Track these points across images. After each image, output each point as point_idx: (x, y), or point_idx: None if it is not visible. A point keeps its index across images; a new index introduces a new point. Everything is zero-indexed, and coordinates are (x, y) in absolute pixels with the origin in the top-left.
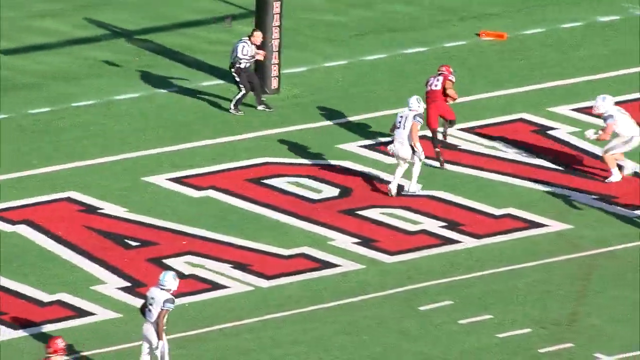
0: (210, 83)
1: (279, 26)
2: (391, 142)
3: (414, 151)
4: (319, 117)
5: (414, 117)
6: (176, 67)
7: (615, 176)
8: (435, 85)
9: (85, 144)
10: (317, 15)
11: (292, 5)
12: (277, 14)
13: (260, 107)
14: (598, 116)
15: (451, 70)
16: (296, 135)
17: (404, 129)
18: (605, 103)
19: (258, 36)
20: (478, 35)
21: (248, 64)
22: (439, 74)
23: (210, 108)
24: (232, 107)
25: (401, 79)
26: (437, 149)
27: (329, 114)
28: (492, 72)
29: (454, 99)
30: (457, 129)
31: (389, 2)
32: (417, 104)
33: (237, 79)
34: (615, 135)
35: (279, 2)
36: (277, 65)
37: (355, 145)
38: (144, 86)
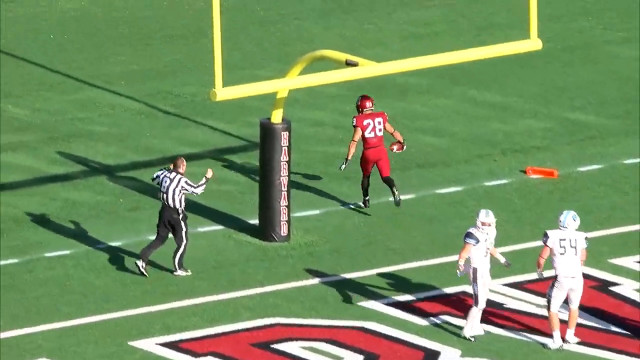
0: (208, 229)
1: (288, 161)
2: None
3: (475, 278)
4: (337, 269)
5: (465, 236)
6: None
7: (556, 342)
8: (380, 130)
9: (60, 301)
10: (331, 148)
11: (303, 136)
12: (285, 146)
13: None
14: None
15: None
16: (311, 290)
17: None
18: (562, 218)
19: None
20: (524, 172)
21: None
22: (374, 114)
23: (208, 258)
24: (178, 266)
25: (433, 224)
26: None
27: (349, 265)
28: (541, 217)
29: (402, 144)
30: (502, 284)
31: (416, 132)
32: (480, 219)
33: (184, 228)
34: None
35: (287, 133)
36: (286, 208)
37: (380, 304)
38: (129, 233)
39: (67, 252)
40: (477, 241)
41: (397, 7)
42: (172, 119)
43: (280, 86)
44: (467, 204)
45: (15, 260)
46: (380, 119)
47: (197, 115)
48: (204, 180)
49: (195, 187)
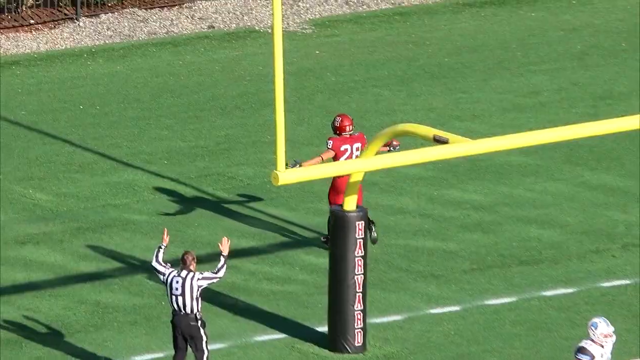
0: (266, 337)
1: (364, 256)
2: None
3: None
4: None
5: (576, 351)
6: (219, 314)
7: None
8: (357, 158)
9: None
10: (416, 240)
11: (382, 226)
12: (360, 239)
13: None
14: None
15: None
16: None
17: None
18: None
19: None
20: None
21: None
22: (353, 138)
23: None
24: None
25: (539, 334)
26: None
27: None
28: None
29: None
30: None
31: (519, 223)
32: (599, 330)
33: (204, 337)
34: None
35: (363, 223)
36: (361, 313)
37: None
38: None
39: None
40: (592, 358)
41: (495, 73)
42: (224, 205)
43: (355, 168)
44: (580, 309)
45: None
46: (358, 144)
47: (254, 202)
48: (222, 261)
49: (216, 274)
